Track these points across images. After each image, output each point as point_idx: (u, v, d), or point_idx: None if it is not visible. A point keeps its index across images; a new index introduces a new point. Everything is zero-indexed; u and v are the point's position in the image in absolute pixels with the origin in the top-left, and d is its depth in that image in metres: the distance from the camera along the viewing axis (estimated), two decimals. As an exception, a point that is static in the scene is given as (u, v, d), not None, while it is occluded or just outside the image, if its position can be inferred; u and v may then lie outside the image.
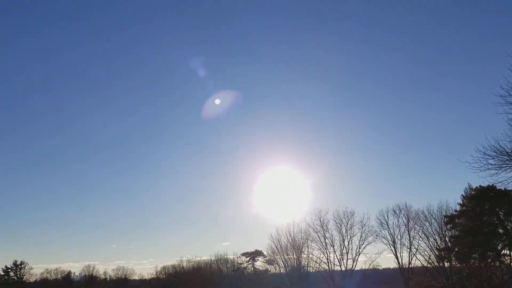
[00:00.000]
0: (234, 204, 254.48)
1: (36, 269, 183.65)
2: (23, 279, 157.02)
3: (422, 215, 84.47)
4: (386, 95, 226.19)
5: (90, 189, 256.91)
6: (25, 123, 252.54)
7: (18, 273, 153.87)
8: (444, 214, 78.79)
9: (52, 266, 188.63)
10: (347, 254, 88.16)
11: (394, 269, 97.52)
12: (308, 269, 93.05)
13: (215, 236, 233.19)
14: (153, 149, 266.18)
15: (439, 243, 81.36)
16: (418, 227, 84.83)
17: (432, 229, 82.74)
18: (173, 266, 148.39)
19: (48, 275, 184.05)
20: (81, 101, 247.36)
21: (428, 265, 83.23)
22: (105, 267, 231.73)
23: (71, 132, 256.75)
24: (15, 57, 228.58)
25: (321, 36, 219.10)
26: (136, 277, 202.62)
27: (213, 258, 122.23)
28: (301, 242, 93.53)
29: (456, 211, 66.85)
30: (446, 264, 79.21)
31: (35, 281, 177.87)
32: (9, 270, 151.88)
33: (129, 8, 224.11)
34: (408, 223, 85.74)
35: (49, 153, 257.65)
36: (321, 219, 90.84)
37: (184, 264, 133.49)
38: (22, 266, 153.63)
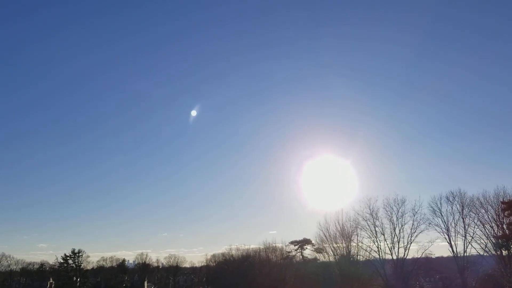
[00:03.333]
0: (281, 193, 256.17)
1: (93, 257, 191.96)
2: (81, 267, 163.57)
3: (477, 202, 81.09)
4: (438, 85, 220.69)
5: (141, 181, 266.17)
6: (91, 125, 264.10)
7: (76, 260, 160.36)
8: (502, 200, 75.41)
9: (108, 254, 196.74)
10: (398, 242, 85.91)
11: (448, 257, 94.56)
12: (358, 258, 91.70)
13: (262, 225, 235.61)
14: (201, 140, 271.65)
15: (496, 231, 77.91)
16: (474, 214, 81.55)
17: (488, 216, 79.36)
18: (223, 254, 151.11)
19: (104, 263, 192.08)
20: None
21: (485, 254, 79.96)
22: (157, 255, 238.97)
23: (134, 133, 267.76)
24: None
25: (378, 28, 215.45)
26: (187, 265, 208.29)
27: (261, 246, 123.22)
28: (350, 230, 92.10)
29: (514, 197, 63.85)
30: (504, 253, 75.90)
31: (92, 268, 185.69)
32: (68, 258, 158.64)
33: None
34: (462, 210, 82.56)
35: (108, 153, 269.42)
36: (371, 207, 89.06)
37: (233, 252, 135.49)
38: (80, 254, 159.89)
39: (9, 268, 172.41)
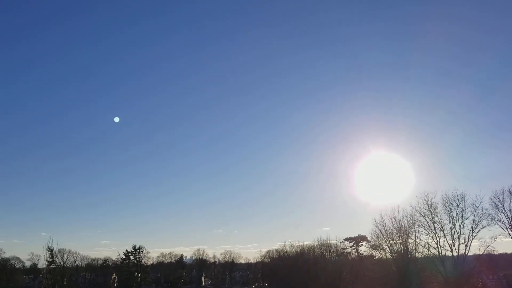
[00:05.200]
0: (334, 190, 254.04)
1: (153, 253, 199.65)
2: (142, 262, 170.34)
3: (543, 195, 76.90)
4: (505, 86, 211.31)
5: (196, 179, 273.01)
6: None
7: (137, 256, 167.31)
8: None
9: (166, 250, 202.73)
10: (459, 239, 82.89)
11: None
12: (416, 255, 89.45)
13: (315, 221, 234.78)
14: (256, 138, 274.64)
15: None
16: (539, 209, 77.30)
17: (556, 211, 75.11)
18: (277, 251, 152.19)
19: (163, 259, 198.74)
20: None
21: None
22: (213, 251, 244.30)
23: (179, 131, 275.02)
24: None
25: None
26: (242, 261, 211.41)
27: (315, 243, 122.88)
28: (408, 226, 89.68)
29: None
30: None
31: (152, 264, 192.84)
32: (130, 254, 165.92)
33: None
34: (527, 204, 78.46)
35: (158, 149, 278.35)
36: (429, 203, 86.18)
37: (288, 249, 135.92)
38: (141, 250, 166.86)
39: (75, 264, 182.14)
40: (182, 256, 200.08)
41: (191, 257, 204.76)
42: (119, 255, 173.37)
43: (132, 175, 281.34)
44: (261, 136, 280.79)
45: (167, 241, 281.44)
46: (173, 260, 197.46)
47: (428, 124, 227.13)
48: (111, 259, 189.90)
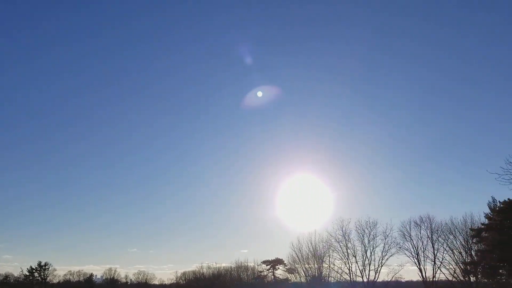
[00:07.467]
0: (253, 212, 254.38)
1: (60, 270, 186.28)
2: (47, 280, 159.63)
3: (446, 228, 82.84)
4: (408, 104, 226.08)
5: (110, 194, 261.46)
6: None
7: (42, 274, 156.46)
8: (470, 227, 77.13)
9: (75, 268, 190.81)
10: (370, 265, 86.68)
11: (417, 282, 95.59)
12: (329, 279, 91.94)
13: (234, 243, 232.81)
14: (176, 154, 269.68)
15: (464, 257, 79.49)
16: (442, 240, 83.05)
17: (457, 242, 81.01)
18: (194, 272, 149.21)
19: (70, 277, 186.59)
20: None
21: (454, 279, 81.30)
22: (126, 271, 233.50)
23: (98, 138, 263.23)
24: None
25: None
26: (156, 282, 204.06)
27: (233, 265, 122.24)
28: (323, 251, 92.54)
29: (483, 224, 65.27)
30: (472, 279, 77.24)
31: (58, 282, 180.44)
32: (34, 270, 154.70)
33: None
34: (431, 235, 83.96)
35: (75, 159, 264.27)
36: (343, 229, 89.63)
37: (204, 271, 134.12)
38: (46, 267, 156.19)
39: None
40: (91, 275, 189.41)
41: (102, 277, 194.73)
42: (22, 271, 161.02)
43: (40, 185, 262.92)
44: (189, 158, 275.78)
45: (75, 258, 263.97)
46: (81, 279, 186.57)
47: (349, 149, 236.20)
48: (12, 275, 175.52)
